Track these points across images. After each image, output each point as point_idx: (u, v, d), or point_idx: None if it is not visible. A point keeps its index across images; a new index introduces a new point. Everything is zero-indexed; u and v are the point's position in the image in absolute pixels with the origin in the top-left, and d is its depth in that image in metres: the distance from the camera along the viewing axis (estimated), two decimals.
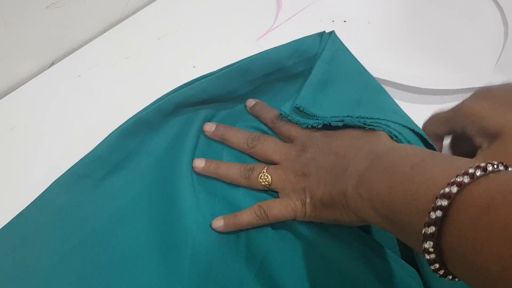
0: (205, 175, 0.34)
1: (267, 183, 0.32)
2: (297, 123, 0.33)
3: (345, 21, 0.48)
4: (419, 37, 0.45)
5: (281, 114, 0.35)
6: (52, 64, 0.46)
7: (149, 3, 0.50)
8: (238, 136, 0.35)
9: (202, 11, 0.49)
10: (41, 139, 0.38)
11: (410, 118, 0.34)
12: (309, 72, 0.37)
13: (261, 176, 0.32)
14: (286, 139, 0.34)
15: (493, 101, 0.30)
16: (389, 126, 0.31)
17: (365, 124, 0.31)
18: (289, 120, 0.34)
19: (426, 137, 0.32)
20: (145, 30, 0.47)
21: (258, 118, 0.37)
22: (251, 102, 0.38)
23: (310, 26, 0.46)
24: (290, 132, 0.34)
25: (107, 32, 0.47)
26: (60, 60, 0.44)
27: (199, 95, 0.35)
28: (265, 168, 0.32)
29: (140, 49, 0.45)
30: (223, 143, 0.36)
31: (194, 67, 0.43)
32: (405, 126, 0.31)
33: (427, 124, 0.35)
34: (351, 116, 0.32)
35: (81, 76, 0.43)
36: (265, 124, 0.36)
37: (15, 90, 0.42)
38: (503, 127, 0.28)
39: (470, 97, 0.32)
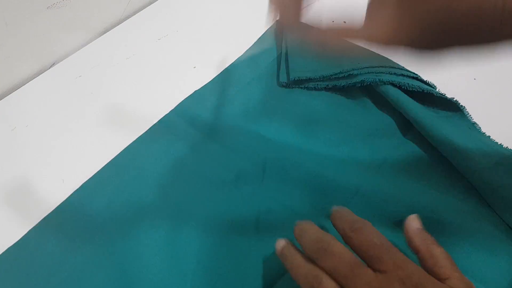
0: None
1: None
2: (388, 245, 0.25)
3: (345, 22, 0.48)
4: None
5: (281, 82, 0.40)
6: (53, 64, 0.46)
7: (150, 3, 0.50)
8: (305, 237, 0.26)
9: (202, 12, 0.49)
10: (42, 139, 0.38)
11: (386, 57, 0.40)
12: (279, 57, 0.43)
13: None
14: (368, 259, 0.24)
15: None
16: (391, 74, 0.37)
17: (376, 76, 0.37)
18: (377, 232, 0.25)
19: (417, 75, 0.38)
20: (145, 30, 0.47)
21: (334, 226, 0.28)
22: (335, 208, 0.28)
23: None
24: (378, 253, 0.24)
25: (108, 32, 0.47)
26: (61, 61, 0.45)
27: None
28: None
29: (140, 49, 0.45)
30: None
31: (194, 67, 0.44)
32: (399, 68, 0.38)
33: None
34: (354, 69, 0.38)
35: (82, 76, 0.43)
36: (341, 235, 0.27)
37: (16, 91, 0.42)
38: None
39: None
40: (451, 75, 0.41)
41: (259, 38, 0.45)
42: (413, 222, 0.27)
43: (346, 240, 0.26)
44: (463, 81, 0.40)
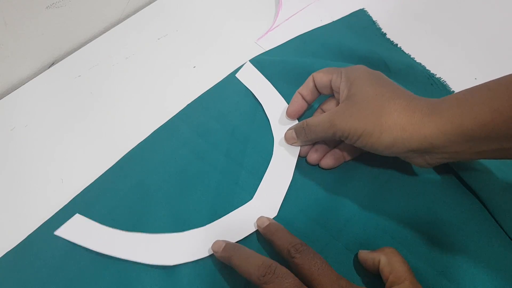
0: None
1: None
2: (322, 262, 0.27)
3: None
4: (419, 37, 0.45)
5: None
6: (52, 64, 0.46)
7: (149, 3, 0.50)
8: (249, 263, 0.27)
9: (202, 11, 0.49)
10: (41, 139, 0.38)
11: None
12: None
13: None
14: (307, 280, 0.26)
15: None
16: None
17: None
18: (315, 254, 0.27)
19: None
20: (145, 30, 0.47)
21: (270, 243, 0.30)
22: (263, 221, 0.30)
23: (310, 26, 0.46)
24: (315, 273, 0.26)
25: (107, 32, 0.47)
26: (60, 60, 0.45)
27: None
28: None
29: (140, 49, 0.45)
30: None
31: (194, 67, 0.43)
32: None
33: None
34: None
35: (81, 76, 0.43)
36: (279, 253, 0.28)
37: (16, 90, 0.42)
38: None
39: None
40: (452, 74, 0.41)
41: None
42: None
43: (289, 259, 0.28)
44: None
